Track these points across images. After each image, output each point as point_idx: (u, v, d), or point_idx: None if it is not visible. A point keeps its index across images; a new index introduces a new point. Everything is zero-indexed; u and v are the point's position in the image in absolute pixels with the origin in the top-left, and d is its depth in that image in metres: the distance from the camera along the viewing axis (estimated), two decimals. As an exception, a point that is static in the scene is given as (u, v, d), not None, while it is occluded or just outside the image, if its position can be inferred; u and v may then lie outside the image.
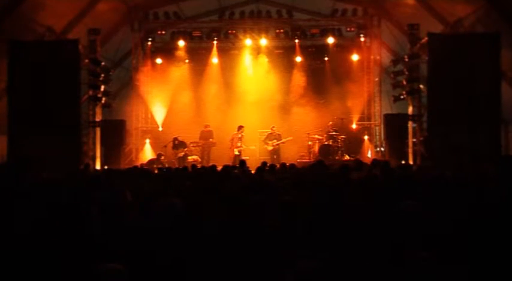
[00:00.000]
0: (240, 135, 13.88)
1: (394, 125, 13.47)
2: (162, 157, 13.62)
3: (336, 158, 13.56)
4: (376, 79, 15.38)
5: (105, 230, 3.37)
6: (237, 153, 13.75)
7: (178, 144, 13.93)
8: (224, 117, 15.07)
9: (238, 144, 13.81)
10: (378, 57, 15.30)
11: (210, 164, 11.09)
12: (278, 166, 9.08)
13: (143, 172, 8.19)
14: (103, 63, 12.93)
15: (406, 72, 12.63)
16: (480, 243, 3.18)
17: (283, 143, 14.15)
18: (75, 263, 2.89)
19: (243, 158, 12.48)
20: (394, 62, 13.43)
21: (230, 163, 11.57)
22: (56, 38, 12.32)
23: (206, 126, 14.49)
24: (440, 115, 11.35)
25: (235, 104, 15.22)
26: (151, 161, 13.34)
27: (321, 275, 2.36)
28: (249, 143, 14.38)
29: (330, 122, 14.39)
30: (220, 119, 15.04)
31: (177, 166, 12.81)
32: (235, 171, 8.01)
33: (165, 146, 13.99)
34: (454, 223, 3.55)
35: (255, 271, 3.04)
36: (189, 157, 13.86)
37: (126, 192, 4.06)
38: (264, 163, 8.87)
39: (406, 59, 12.60)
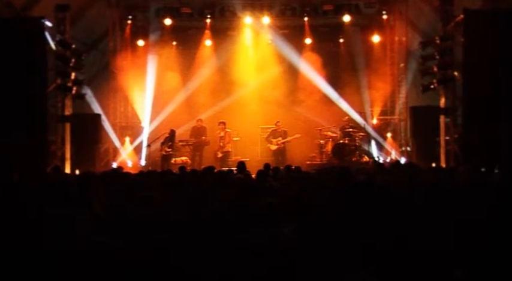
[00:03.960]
0: (222, 134, 13.78)
1: (423, 120, 13.41)
2: None
3: (353, 159, 13.49)
4: (402, 65, 15.30)
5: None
6: (220, 155, 13.66)
7: (170, 137, 13.78)
8: (220, 111, 15.02)
9: (221, 144, 13.71)
10: (404, 39, 15.20)
11: (203, 167, 11.00)
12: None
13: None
14: (74, 46, 12.84)
15: (438, 57, 12.53)
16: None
17: (289, 141, 14.08)
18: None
19: (243, 159, 12.40)
20: (423, 44, 13.32)
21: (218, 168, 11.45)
22: (16, 16, 12.22)
23: (198, 121, 14.42)
24: (479, 108, 11.26)
25: (233, 94, 15.17)
26: None
27: None
28: (246, 142, 14.28)
29: (346, 117, 14.35)
30: (215, 113, 15.00)
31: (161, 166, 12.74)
32: (238, 175, 7.93)
33: (149, 146, 13.91)
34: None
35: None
36: (177, 158, 13.79)
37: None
38: (267, 166, 8.78)
39: (438, 41, 12.49)
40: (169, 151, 13.66)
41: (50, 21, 12.14)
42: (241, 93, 15.18)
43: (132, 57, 15.55)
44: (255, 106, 15.06)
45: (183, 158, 13.95)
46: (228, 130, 13.93)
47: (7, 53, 11.31)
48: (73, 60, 12.68)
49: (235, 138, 13.99)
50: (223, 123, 13.90)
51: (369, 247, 3.58)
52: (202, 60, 15.61)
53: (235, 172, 8.88)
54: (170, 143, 13.68)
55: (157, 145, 14.13)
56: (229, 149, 13.94)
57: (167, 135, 13.80)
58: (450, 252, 3.49)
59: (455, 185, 5.96)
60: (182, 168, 9.36)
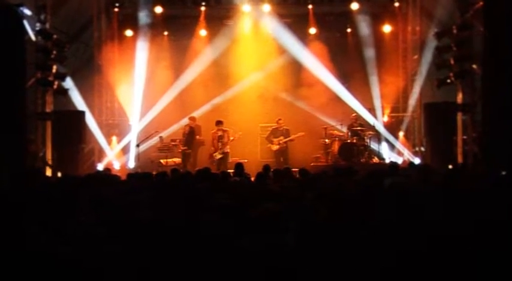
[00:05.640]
0: (220, 133, 13.77)
1: (438, 118, 13.41)
2: None
3: (362, 160, 13.49)
4: (415, 57, 15.31)
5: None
6: (219, 156, 13.66)
7: (190, 135, 13.76)
8: (215, 108, 15.07)
9: (219, 145, 13.71)
10: (418, 29, 15.21)
11: (197, 169, 11.00)
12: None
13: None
14: (55, 37, 12.84)
15: (455, 48, 12.53)
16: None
17: (292, 140, 14.09)
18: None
19: (241, 161, 12.40)
20: (439, 34, 13.31)
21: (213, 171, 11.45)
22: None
23: (192, 119, 14.43)
24: (500, 104, 11.22)
25: (230, 90, 15.20)
26: None
27: None
28: (245, 142, 14.28)
29: (354, 114, 14.36)
30: (211, 110, 15.05)
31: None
32: (235, 178, 7.95)
33: (138, 146, 13.93)
34: None
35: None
36: (169, 159, 13.81)
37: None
38: (267, 167, 8.79)
39: (455, 31, 12.50)
40: (185, 149, 13.70)
41: (28, 8, 12.13)
42: (239, 89, 15.21)
43: (119, 49, 15.57)
44: (254, 103, 15.08)
45: (175, 159, 13.97)
46: (227, 129, 13.90)
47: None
48: (54, 52, 12.67)
49: (237, 134, 13.92)
50: (221, 122, 13.85)
51: (376, 257, 3.61)
52: (196, 52, 15.60)
53: (232, 174, 8.89)
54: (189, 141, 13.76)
55: (147, 145, 14.17)
56: (229, 150, 13.92)
57: (186, 131, 13.79)
58: (466, 260, 3.52)
59: (475, 188, 5.96)
60: (174, 170, 9.35)
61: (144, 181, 7.78)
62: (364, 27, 15.32)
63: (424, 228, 3.95)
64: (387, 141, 14.99)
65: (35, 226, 3.83)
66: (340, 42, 15.88)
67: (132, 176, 9.11)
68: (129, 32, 15.65)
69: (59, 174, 12.14)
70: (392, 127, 15.32)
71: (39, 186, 7.44)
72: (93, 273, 3.43)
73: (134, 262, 3.62)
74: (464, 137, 12.49)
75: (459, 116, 12.63)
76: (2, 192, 6.41)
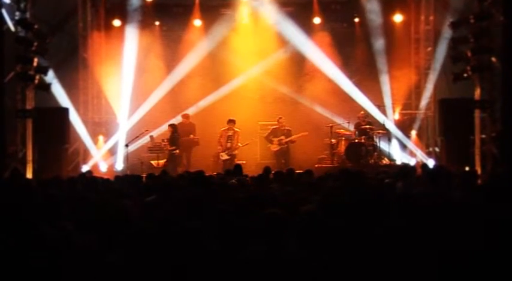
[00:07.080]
0: (231, 133, 13.75)
1: (454, 115, 13.42)
2: None
3: (371, 161, 13.48)
4: (429, 49, 15.32)
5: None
6: (226, 157, 13.64)
7: (173, 134, 13.73)
8: (211, 105, 15.04)
9: (228, 145, 13.68)
10: (431, 18, 15.22)
11: (185, 171, 10.99)
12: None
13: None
14: (36, 27, 12.80)
15: (472, 40, 12.51)
16: None
17: (293, 141, 14.08)
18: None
19: (239, 162, 12.39)
20: (454, 24, 13.32)
21: (216, 172, 11.44)
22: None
23: (185, 117, 14.42)
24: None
25: (227, 85, 15.18)
26: None
27: None
28: (244, 140, 14.27)
29: (362, 111, 14.35)
30: (205, 107, 15.02)
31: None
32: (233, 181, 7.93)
33: (127, 146, 13.90)
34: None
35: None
36: (160, 161, 13.79)
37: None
38: (267, 169, 8.76)
39: (472, 20, 12.47)
40: (173, 149, 13.66)
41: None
42: (237, 84, 15.19)
43: (106, 40, 15.54)
44: (253, 99, 15.08)
45: (167, 160, 13.96)
46: (238, 130, 13.90)
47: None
48: (36, 43, 12.61)
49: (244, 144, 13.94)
50: (233, 121, 13.86)
51: (382, 264, 3.59)
52: (191, 44, 15.58)
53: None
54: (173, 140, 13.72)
55: (136, 145, 14.16)
56: (237, 153, 13.88)
57: (169, 132, 13.77)
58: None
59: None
60: (165, 172, 9.35)
61: (133, 184, 7.76)
62: (373, 17, 15.27)
63: (437, 239, 3.91)
64: (398, 140, 14.98)
65: (10, 232, 3.82)
66: (347, 33, 15.86)
67: (120, 178, 9.11)
68: (117, 22, 15.60)
69: (41, 176, 12.11)
70: (404, 126, 15.33)
71: (18, 190, 7.41)
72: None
73: (119, 271, 3.59)
74: (483, 136, 12.46)
75: (477, 114, 12.59)
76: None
